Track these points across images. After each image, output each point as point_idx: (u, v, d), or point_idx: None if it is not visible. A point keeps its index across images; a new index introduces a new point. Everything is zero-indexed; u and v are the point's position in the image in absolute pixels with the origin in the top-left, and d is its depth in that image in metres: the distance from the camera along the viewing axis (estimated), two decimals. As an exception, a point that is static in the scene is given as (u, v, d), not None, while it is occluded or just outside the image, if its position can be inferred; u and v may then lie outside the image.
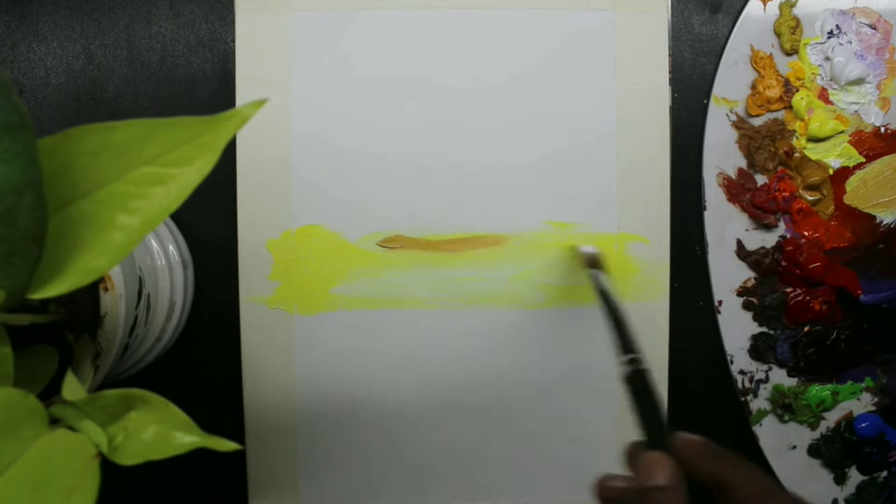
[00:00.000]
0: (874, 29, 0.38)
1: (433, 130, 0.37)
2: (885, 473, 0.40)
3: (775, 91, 0.38)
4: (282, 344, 0.37)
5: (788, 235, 0.39)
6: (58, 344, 0.27)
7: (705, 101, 0.38)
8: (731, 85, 0.38)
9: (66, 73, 0.37)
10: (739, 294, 0.39)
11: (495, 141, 0.37)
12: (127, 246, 0.22)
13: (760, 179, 0.38)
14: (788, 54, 0.38)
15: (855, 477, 0.40)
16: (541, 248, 0.38)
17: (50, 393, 0.24)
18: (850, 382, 0.40)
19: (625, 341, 0.29)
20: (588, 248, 0.36)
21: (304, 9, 0.37)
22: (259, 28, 0.36)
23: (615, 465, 0.34)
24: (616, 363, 0.28)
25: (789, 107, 0.38)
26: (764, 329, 0.39)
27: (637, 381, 0.27)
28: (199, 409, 0.24)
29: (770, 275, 0.39)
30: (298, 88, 0.37)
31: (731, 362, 0.39)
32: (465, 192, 0.37)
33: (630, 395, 0.26)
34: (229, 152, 0.36)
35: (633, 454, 0.25)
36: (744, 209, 0.39)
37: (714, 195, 0.39)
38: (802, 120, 0.38)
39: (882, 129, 0.38)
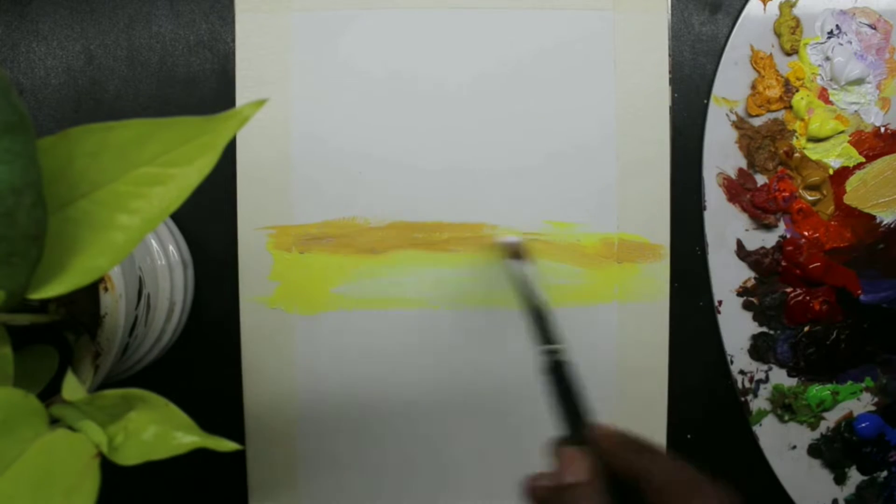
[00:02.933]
0: (874, 29, 0.38)
1: (433, 130, 0.37)
2: (885, 473, 0.40)
3: (775, 91, 0.38)
4: (282, 344, 0.37)
5: (788, 235, 0.39)
6: (58, 344, 0.27)
7: (705, 101, 0.38)
8: (731, 85, 0.38)
9: (66, 73, 0.37)
10: (739, 294, 0.39)
11: (495, 141, 0.37)
12: (127, 246, 0.22)
13: (760, 179, 0.38)
14: (788, 54, 0.38)
15: (855, 477, 0.40)
16: (541, 247, 0.38)
17: (50, 393, 0.24)
18: (850, 382, 0.40)
19: (545, 332, 0.28)
20: (509, 238, 0.36)
21: (304, 9, 0.37)
22: (259, 28, 0.36)
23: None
24: (536, 354, 0.27)
25: (789, 107, 0.38)
26: (764, 329, 0.39)
27: (557, 372, 0.26)
28: (199, 409, 0.24)
29: (770, 275, 0.39)
30: (298, 88, 0.37)
31: (731, 362, 0.39)
32: (465, 192, 0.37)
33: (550, 387, 0.26)
34: (229, 152, 0.36)
35: (555, 450, 0.25)
36: (744, 209, 0.39)
37: (714, 195, 0.39)
38: (802, 120, 0.38)
39: (882, 129, 0.38)
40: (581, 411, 0.25)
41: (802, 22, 0.38)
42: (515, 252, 0.35)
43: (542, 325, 0.29)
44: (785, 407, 0.39)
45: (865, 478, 0.40)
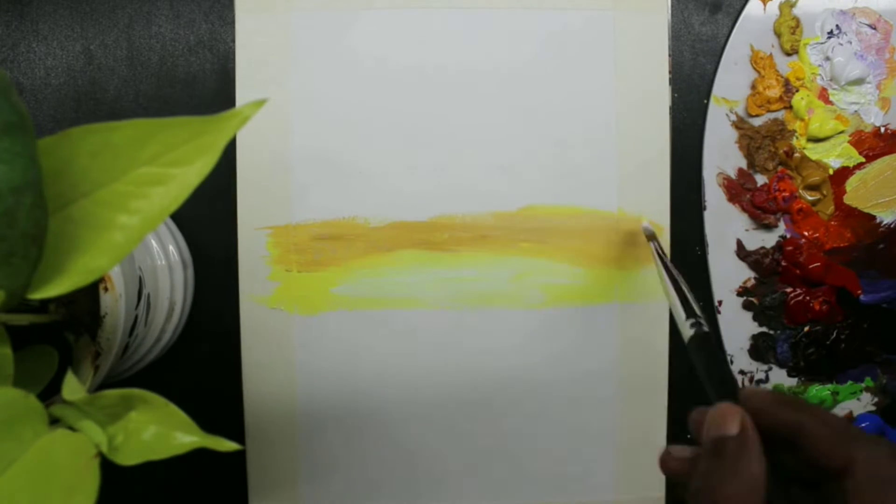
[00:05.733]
0: (874, 29, 0.38)
1: (433, 130, 0.37)
2: (885, 473, 0.40)
3: (775, 91, 0.38)
4: (282, 344, 0.37)
5: (788, 235, 0.39)
6: (58, 344, 0.27)
7: (705, 101, 0.38)
8: (731, 85, 0.38)
9: (66, 73, 0.37)
10: (739, 294, 0.39)
11: (495, 142, 0.37)
12: (127, 246, 0.22)
13: (760, 179, 0.38)
14: (788, 54, 0.38)
15: (855, 477, 0.40)
16: (541, 248, 0.38)
17: (50, 393, 0.24)
18: (850, 382, 0.40)
19: (686, 305, 0.29)
20: (646, 223, 0.37)
21: (304, 9, 0.37)
22: (259, 28, 0.36)
23: (615, 465, 0.34)
24: (681, 327, 0.28)
25: (789, 107, 0.38)
26: (764, 329, 0.39)
27: (702, 342, 0.27)
28: (199, 409, 0.24)
29: (770, 275, 0.39)
30: (298, 88, 0.37)
31: (731, 362, 0.39)
32: (464, 193, 0.37)
33: (697, 356, 0.27)
34: (229, 152, 0.36)
35: (699, 415, 0.24)
36: (744, 209, 0.39)
37: (714, 195, 0.39)
38: (802, 120, 0.38)
39: (882, 129, 0.38)
40: (728, 375, 0.26)
41: (802, 22, 0.38)
42: (651, 235, 0.36)
43: (684, 299, 0.30)
44: (785, 407, 0.39)
45: (865, 478, 0.40)
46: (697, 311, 0.29)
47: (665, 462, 0.25)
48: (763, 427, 0.23)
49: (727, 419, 0.22)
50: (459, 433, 0.38)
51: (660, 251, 0.34)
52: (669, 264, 0.32)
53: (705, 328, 0.28)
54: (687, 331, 0.28)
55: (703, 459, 0.23)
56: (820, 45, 0.38)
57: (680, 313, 0.29)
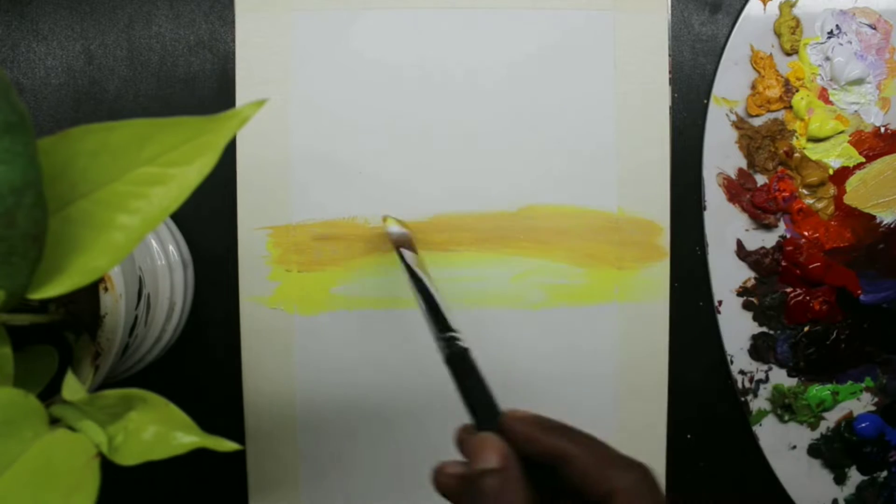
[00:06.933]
0: (874, 29, 0.38)
1: (433, 130, 0.37)
2: (885, 473, 0.40)
3: (775, 91, 0.38)
4: (282, 344, 0.37)
5: (788, 235, 0.39)
6: (58, 344, 0.27)
7: (705, 101, 0.38)
8: (731, 85, 0.38)
9: (66, 73, 0.37)
10: (739, 294, 0.39)
11: (496, 142, 0.37)
12: (127, 246, 0.22)
13: (760, 179, 0.38)
14: (788, 54, 0.38)
15: (855, 477, 0.40)
16: (541, 248, 0.38)
17: (50, 393, 0.24)
18: (850, 382, 0.39)
19: (439, 321, 0.27)
20: (395, 227, 0.35)
21: (304, 9, 0.37)
22: (259, 28, 0.36)
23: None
24: (436, 345, 0.27)
25: (789, 107, 0.38)
26: (764, 329, 0.39)
27: (458, 360, 0.25)
28: (199, 409, 0.24)
29: (770, 275, 0.39)
30: (298, 88, 0.37)
31: (731, 362, 0.39)
32: (465, 194, 0.37)
33: (453, 376, 0.25)
34: (229, 152, 0.36)
35: (464, 439, 0.24)
36: (744, 209, 0.39)
37: (714, 195, 0.39)
38: (802, 120, 0.38)
39: (882, 129, 0.38)
40: (488, 397, 0.25)
41: (802, 22, 0.38)
42: (402, 242, 0.34)
43: (436, 314, 0.28)
44: (785, 407, 0.39)
45: (865, 478, 0.40)
46: (452, 327, 0.27)
47: (437, 479, 0.24)
48: (527, 453, 0.22)
49: (487, 451, 0.22)
50: (459, 433, 0.38)
51: (409, 260, 0.31)
52: (422, 275, 0.30)
53: (462, 344, 0.26)
54: (441, 348, 0.26)
55: (471, 485, 0.22)
56: (820, 45, 0.38)
57: (433, 329, 0.27)
